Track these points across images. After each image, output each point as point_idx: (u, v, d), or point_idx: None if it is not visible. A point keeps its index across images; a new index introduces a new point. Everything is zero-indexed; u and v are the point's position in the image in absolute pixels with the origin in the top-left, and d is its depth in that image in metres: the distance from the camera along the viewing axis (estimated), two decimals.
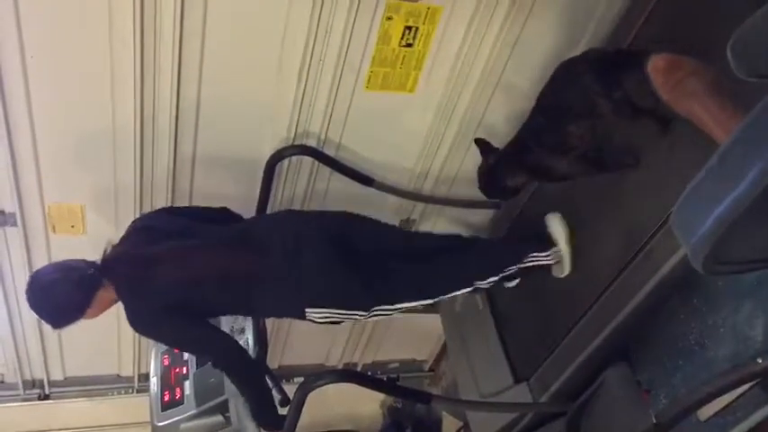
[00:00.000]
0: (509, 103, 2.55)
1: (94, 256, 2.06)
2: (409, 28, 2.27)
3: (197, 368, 2.47)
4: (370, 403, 3.96)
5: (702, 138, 1.54)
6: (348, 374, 2.65)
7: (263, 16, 2.15)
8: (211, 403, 2.36)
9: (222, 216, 2.33)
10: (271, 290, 2.10)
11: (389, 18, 2.23)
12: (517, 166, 2.22)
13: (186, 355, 2.52)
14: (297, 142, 2.49)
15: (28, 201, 2.45)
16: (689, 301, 1.93)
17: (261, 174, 2.50)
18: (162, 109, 2.27)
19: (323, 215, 2.33)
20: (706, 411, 1.84)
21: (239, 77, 2.28)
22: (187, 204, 2.56)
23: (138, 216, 2.41)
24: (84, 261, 2.03)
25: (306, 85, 2.33)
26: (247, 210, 2.42)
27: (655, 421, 1.81)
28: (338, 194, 2.66)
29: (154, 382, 2.54)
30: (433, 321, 3.12)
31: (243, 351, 2.18)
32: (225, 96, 2.31)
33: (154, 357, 2.61)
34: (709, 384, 1.67)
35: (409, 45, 2.33)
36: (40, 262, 2.47)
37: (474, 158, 2.37)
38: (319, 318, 2.11)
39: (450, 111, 2.56)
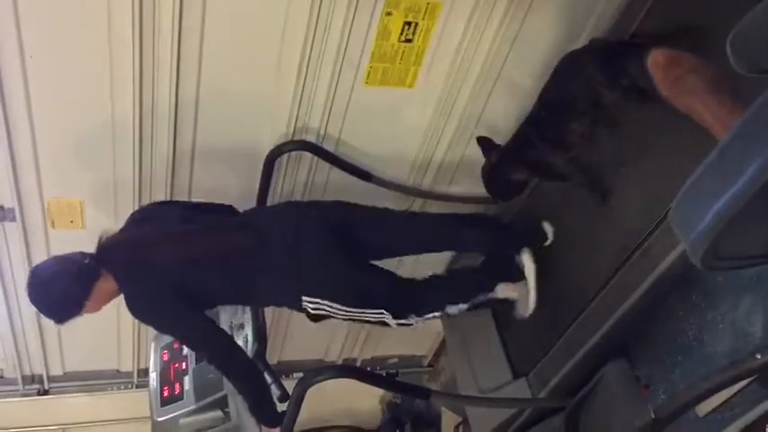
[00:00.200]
0: (509, 98, 2.54)
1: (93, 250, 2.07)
2: (409, 23, 2.26)
3: (196, 363, 2.48)
4: (369, 399, 3.96)
5: (702, 133, 1.54)
6: (347, 370, 2.66)
7: (263, 12, 2.14)
8: (211, 399, 2.37)
9: (222, 209, 2.36)
10: (272, 280, 2.13)
11: (389, 13, 2.22)
12: (518, 161, 2.23)
13: (186, 351, 2.52)
14: (296, 137, 2.49)
15: (27, 196, 2.45)
16: (688, 296, 1.94)
17: (260, 168, 2.50)
18: (161, 103, 2.27)
19: (322, 205, 2.35)
20: (705, 407, 1.84)
21: (238, 73, 2.28)
22: (186, 199, 2.56)
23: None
24: (80, 253, 2.05)
25: (305, 80, 2.32)
26: (246, 204, 2.43)
27: (653, 416, 1.81)
28: (337, 188, 2.65)
29: (153, 377, 2.54)
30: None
31: (238, 349, 2.19)
32: (224, 91, 2.31)
33: (153, 353, 2.61)
34: (707, 380, 1.67)
35: (409, 40, 2.32)
36: (40, 257, 2.48)
37: (474, 154, 2.37)
38: (313, 307, 2.14)
39: (450, 106, 2.55)
